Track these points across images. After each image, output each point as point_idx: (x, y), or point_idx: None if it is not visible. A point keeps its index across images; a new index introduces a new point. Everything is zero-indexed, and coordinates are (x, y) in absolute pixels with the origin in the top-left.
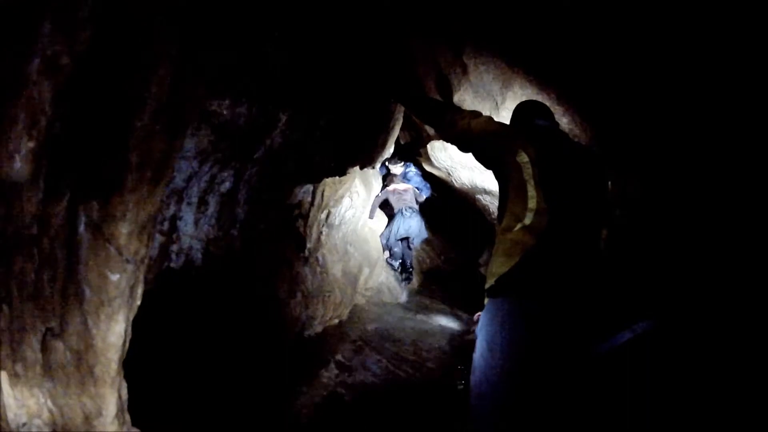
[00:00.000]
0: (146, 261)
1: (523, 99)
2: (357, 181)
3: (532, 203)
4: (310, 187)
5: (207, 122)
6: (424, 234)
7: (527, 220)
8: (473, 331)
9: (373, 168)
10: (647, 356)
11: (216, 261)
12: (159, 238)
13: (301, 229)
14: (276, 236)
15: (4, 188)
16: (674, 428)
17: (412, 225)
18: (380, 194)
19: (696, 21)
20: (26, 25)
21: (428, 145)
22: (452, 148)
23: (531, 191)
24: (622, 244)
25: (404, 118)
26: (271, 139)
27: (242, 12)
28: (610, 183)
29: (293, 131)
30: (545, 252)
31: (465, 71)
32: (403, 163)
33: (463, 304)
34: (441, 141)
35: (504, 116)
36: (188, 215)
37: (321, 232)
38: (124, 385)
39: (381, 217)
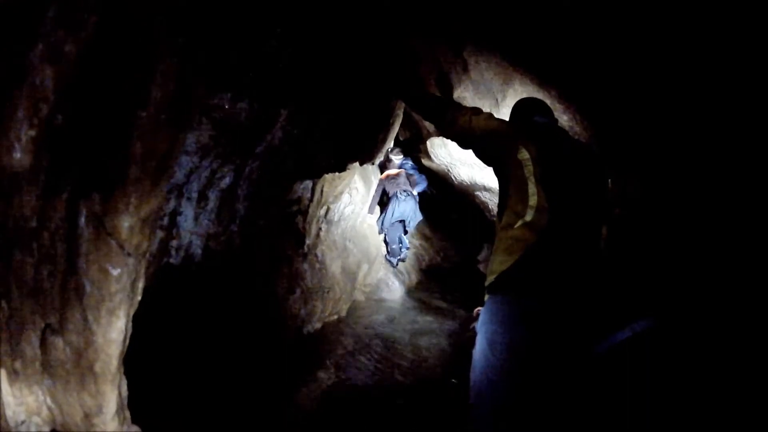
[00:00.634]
0: (147, 255)
1: (524, 96)
2: (356, 177)
3: (532, 200)
4: (309, 183)
5: (208, 117)
6: (419, 216)
7: (528, 218)
8: (473, 328)
9: (373, 164)
10: (647, 355)
11: (215, 257)
12: (159, 234)
13: (300, 225)
14: (275, 232)
15: (3, 180)
16: (674, 427)
17: (407, 208)
18: (377, 186)
19: (696, 20)
20: (30, 10)
21: (428, 142)
22: (452, 145)
23: (531, 188)
24: (622, 243)
25: (404, 114)
26: (271, 135)
27: (247, 7)
28: (609, 181)
29: (294, 127)
30: (546, 250)
31: (465, 68)
32: (402, 156)
33: (462, 302)
34: (440, 138)
35: (504, 113)
36: (188, 210)
37: (320, 229)
38: (124, 381)
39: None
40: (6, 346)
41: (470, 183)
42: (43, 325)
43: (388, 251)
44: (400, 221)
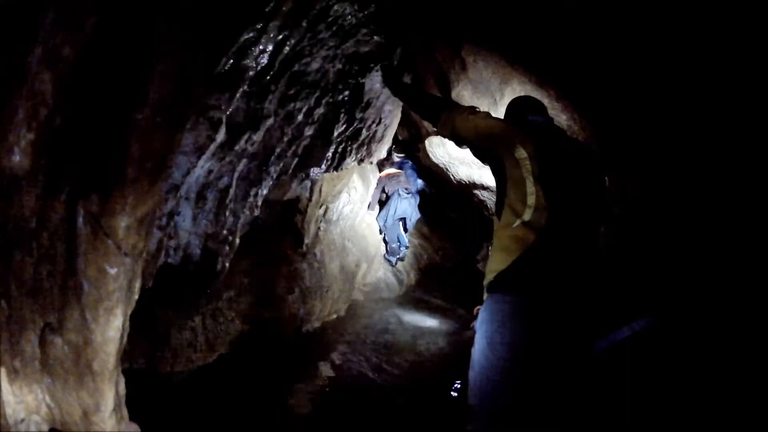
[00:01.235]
0: (144, 255)
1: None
2: (355, 176)
3: (531, 199)
4: (308, 183)
5: (206, 116)
6: (417, 214)
7: (526, 217)
8: (472, 327)
9: (371, 163)
10: (646, 353)
11: (214, 257)
12: (157, 234)
13: (299, 225)
14: (274, 232)
15: (3, 182)
16: (673, 425)
17: (408, 206)
18: (377, 183)
19: (695, 20)
20: (29, 14)
21: (426, 141)
22: (450, 144)
23: (530, 187)
24: (622, 242)
25: (402, 113)
26: (269, 135)
27: (247, 7)
28: (607, 180)
29: (291, 126)
30: (545, 249)
31: (464, 67)
32: (402, 154)
33: (461, 300)
34: (439, 137)
35: (503, 113)
36: (186, 210)
37: (319, 228)
38: (122, 379)
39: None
40: (6, 345)
41: (469, 182)
42: (42, 324)
43: (387, 250)
44: (401, 219)
